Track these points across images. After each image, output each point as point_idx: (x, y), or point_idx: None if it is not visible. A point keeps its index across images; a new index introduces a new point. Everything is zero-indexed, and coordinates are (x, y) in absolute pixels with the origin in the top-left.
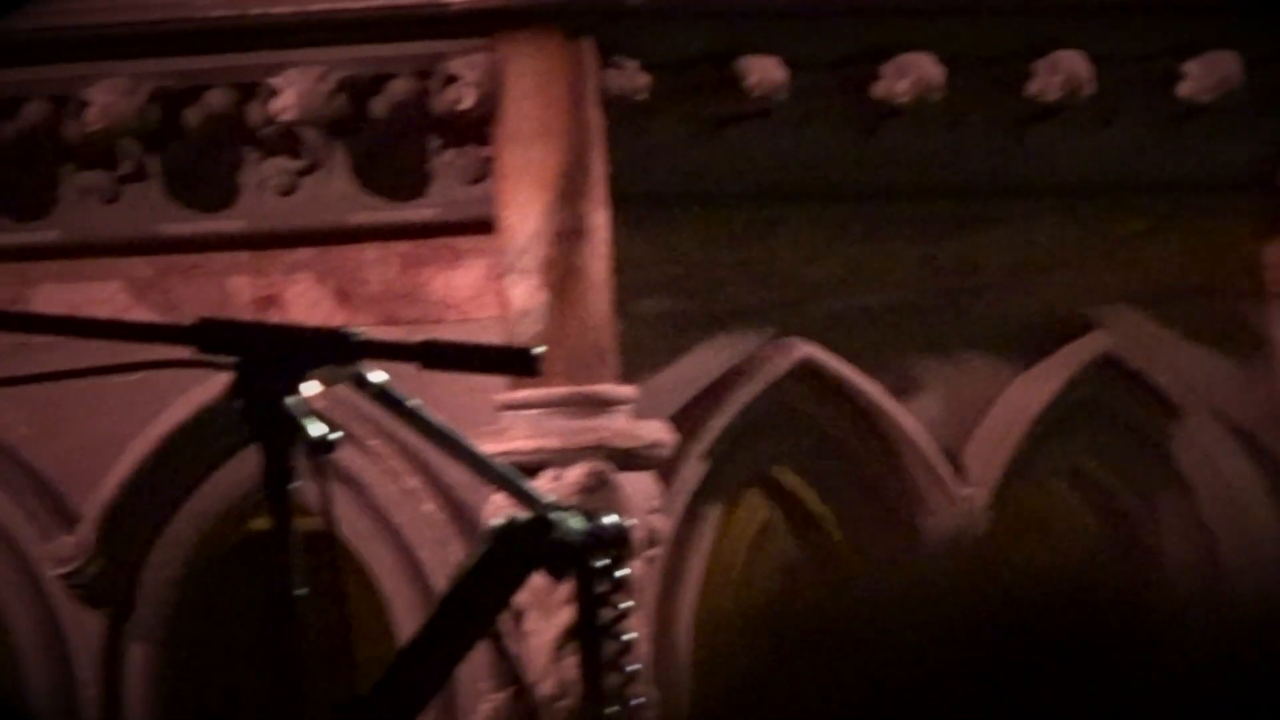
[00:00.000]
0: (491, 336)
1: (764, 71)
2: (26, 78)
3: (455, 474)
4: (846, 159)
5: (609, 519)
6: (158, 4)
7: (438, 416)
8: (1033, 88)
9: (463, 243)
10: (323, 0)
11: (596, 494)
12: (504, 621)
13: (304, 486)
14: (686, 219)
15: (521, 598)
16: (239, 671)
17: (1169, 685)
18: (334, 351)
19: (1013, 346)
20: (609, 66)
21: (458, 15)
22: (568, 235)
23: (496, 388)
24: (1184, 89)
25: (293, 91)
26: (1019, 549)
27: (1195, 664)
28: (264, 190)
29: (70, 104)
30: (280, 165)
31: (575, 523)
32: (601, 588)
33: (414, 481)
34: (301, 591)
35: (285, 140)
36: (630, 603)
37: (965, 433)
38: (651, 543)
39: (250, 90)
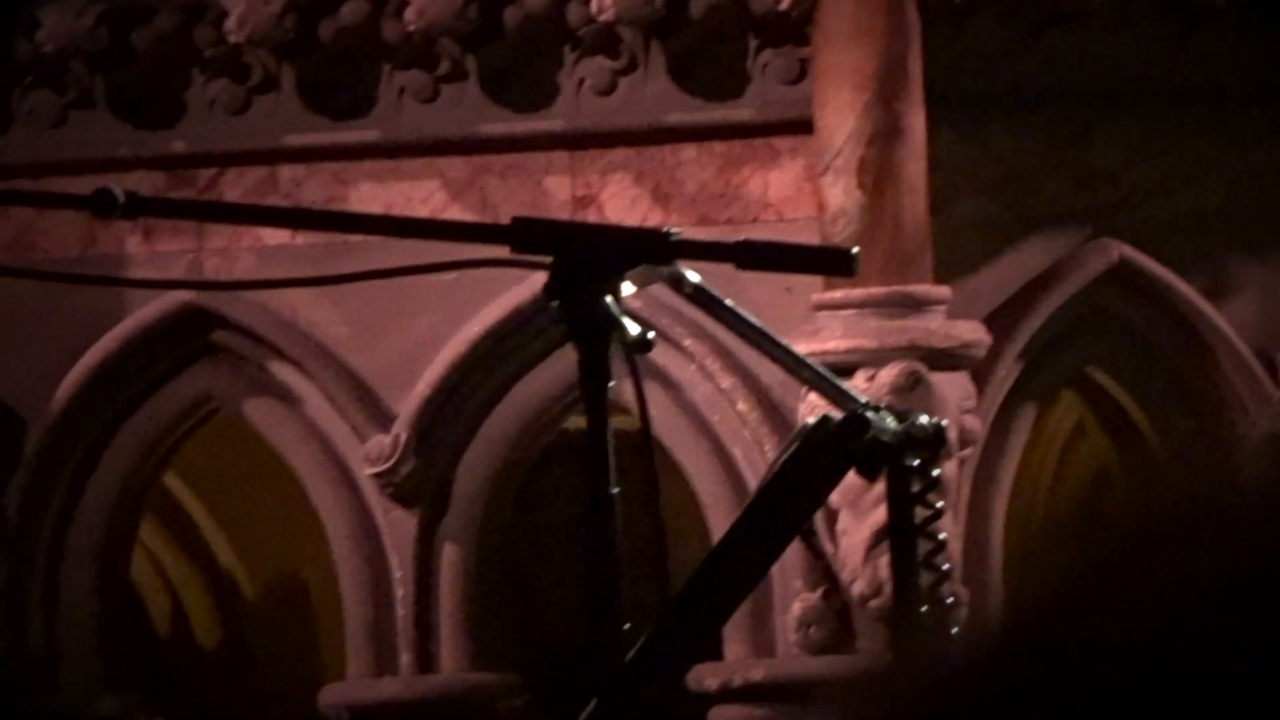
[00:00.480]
0: (807, 237)
1: None
2: None
3: (770, 374)
4: (1163, 61)
5: (923, 419)
6: None
7: (753, 317)
8: None
9: (779, 143)
10: None
11: (910, 394)
12: (816, 521)
13: (619, 386)
14: (1002, 121)
15: (834, 497)
16: (551, 572)
17: None
18: (650, 251)
19: None
20: None
21: None
22: (884, 136)
23: (812, 288)
24: None
25: None
26: None
27: None
28: (582, 90)
29: (390, 3)
30: (599, 65)
31: (889, 422)
32: (915, 487)
33: (728, 382)
34: (615, 491)
35: (604, 40)
36: (943, 503)
37: None
38: (964, 443)
39: None
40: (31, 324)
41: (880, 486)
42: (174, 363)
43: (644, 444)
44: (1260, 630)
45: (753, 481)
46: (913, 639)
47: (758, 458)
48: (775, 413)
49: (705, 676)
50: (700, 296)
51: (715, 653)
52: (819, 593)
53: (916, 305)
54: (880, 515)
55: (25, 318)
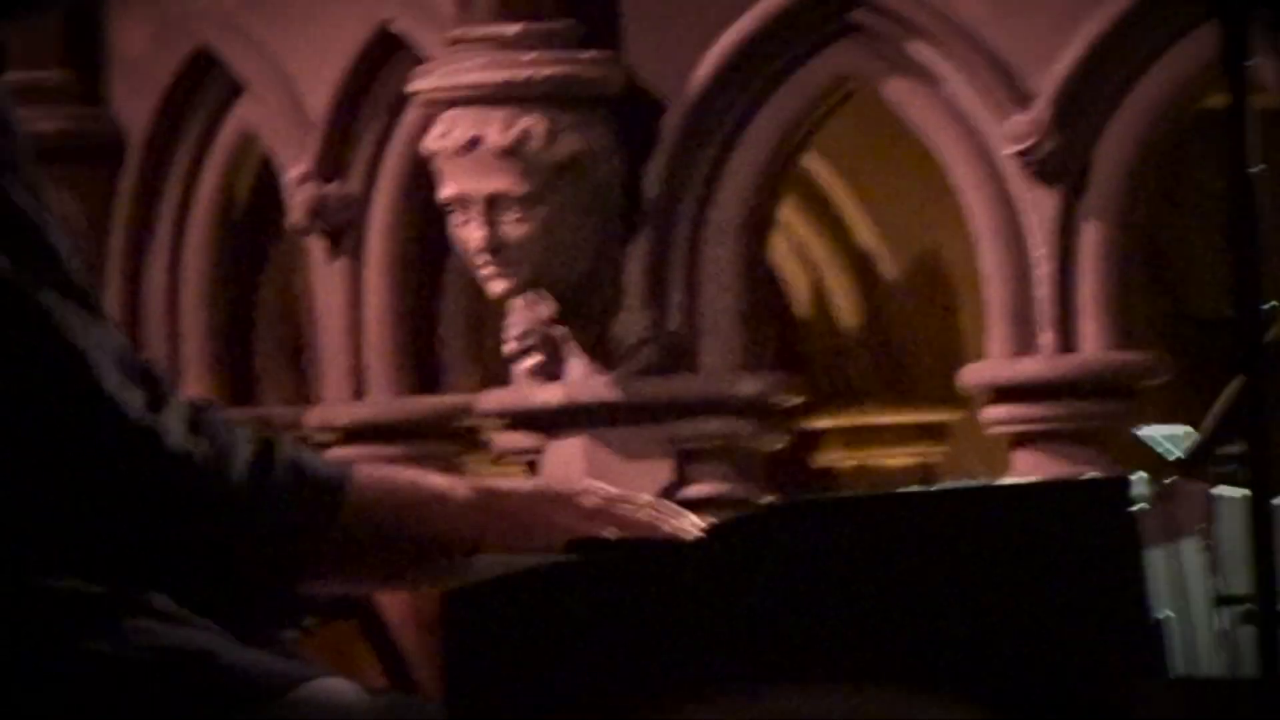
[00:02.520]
0: None
1: None
2: None
3: None
4: None
5: None
6: None
7: None
8: None
9: None
10: None
11: None
12: None
13: (1260, 63)
14: None
15: None
16: (1193, 250)
17: None
18: None
19: None
20: None
21: None
22: None
23: None
24: None
25: None
26: None
27: None
28: None
29: None
30: None
31: None
32: None
33: None
34: (1257, 169)
35: None
36: None
37: None
38: None
39: None
40: (670, 3)
41: None
42: (812, 43)
43: None
44: None
45: None
46: None
47: None
48: None
49: None
50: None
51: None
52: None
53: None
54: None
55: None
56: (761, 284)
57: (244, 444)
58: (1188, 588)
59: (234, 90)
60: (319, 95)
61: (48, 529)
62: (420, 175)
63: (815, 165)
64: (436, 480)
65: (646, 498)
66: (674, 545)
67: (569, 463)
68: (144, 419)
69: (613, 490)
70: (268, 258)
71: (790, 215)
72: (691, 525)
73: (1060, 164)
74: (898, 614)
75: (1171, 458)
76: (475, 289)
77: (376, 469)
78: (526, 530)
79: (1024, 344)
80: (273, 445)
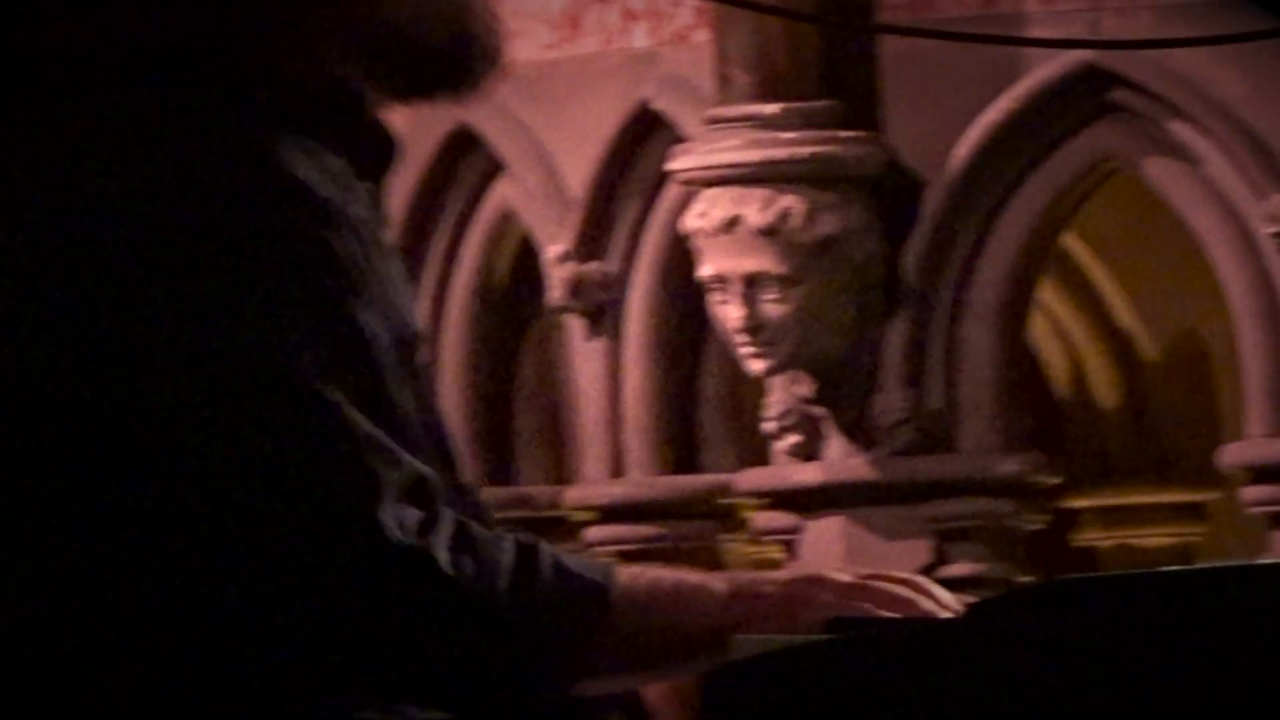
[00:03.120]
0: None
1: None
2: None
3: None
4: None
5: None
6: None
7: None
8: None
9: None
10: None
11: None
12: None
13: None
14: None
15: None
16: None
17: None
18: None
19: None
20: None
21: None
22: None
23: None
24: None
25: None
26: None
27: None
28: None
29: None
30: None
31: None
32: None
33: None
34: None
35: None
36: None
37: None
38: None
39: None
40: (929, 83)
41: None
42: (1072, 122)
43: None
44: None
45: None
46: None
47: None
48: None
49: None
50: None
51: None
52: None
53: None
54: None
55: (924, 77)
56: (1020, 364)
57: (507, 553)
58: None
59: (494, 168)
60: (578, 173)
61: (313, 649)
62: (679, 254)
63: (1074, 245)
64: (696, 575)
65: (905, 575)
66: (934, 623)
67: (827, 542)
68: (415, 543)
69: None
70: (526, 336)
71: (1049, 295)
72: (951, 604)
73: None
74: (1160, 696)
75: None
76: (734, 367)
77: (637, 569)
78: (787, 611)
79: None
80: (535, 552)
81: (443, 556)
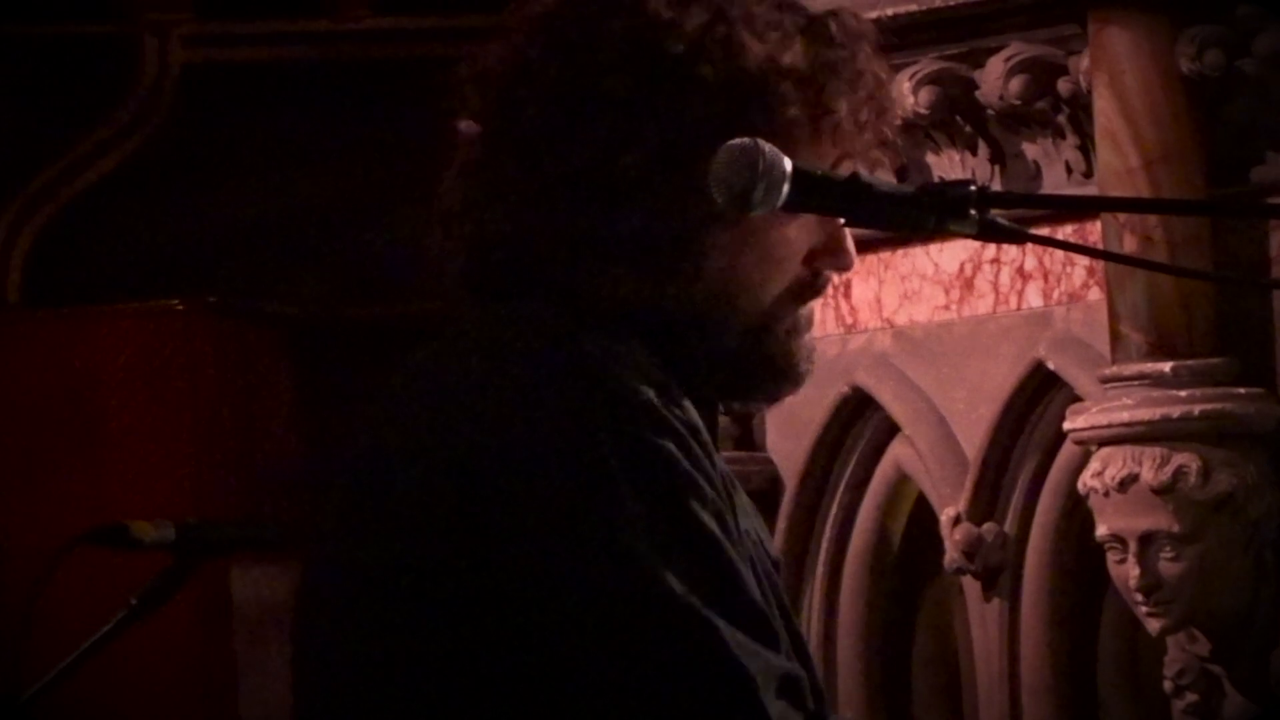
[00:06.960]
0: None
1: None
2: None
3: None
4: None
5: None
6: None
7: None
8: None
9: None
10: None
11: None
12: None
13: None
14: None
15: None
16: None
17: None
18: None
19: None
20: None
21: None
22: None
23: None
24: None
25: None
26: None
27: None
28: None
29: None
30: None
31: None
32: None
33: None
34: None
35: None
36: None
37: None
38: None
39: None
40: None
41: None
42: None
43: None
44: None
45: None
46: None
47: None
48: None
49: None
50: None
51: None
52: None
53: None
54: None
55: None
56: None
57: None
58: None
59: (889, 431)
60: (973, 434)
61: None
62: (1075, 514)
63: None
64: None
65: None
66: None
67: None
68: None
69: None
70: (923, 597)
71: None
72: None
73: None
74: None
75: None
76: (1133, 626)
77: None
78: None
79: None
80: None
81: None
